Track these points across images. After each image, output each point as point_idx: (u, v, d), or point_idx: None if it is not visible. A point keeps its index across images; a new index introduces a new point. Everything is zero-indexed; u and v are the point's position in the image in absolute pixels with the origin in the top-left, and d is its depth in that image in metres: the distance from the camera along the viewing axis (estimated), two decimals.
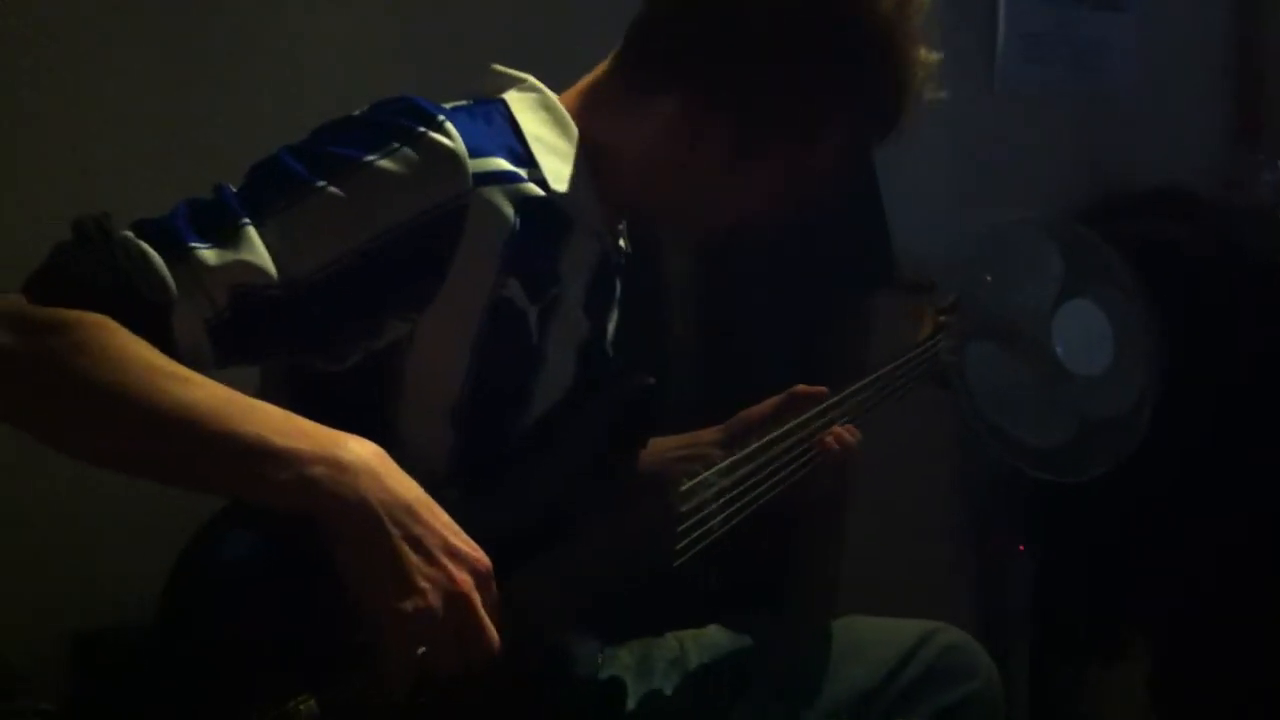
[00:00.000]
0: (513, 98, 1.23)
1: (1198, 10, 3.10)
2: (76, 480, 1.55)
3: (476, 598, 0.96)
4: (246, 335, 1.03)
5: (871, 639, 1.48)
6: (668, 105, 1.22)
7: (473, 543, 0.98)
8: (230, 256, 1.01)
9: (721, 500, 1.27)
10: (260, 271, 1.01)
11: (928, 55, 1.25)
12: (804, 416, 1.38)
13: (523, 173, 1.16)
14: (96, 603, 1.74)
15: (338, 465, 0.94)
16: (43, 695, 1.68)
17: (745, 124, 1.22)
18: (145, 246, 0.99)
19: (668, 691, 1.40)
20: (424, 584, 0.93)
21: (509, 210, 1.13)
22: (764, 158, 1.24)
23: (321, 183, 1.05)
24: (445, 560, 0.95)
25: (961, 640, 1.49)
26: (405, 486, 0.97)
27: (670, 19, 1.24)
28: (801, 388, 1.41)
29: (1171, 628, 2.69)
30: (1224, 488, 2.55)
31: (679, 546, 1.21)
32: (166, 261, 0.99)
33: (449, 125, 1.09)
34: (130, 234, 1.00)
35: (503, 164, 1.14)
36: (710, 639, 1.48)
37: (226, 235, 1.02)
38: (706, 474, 1.26)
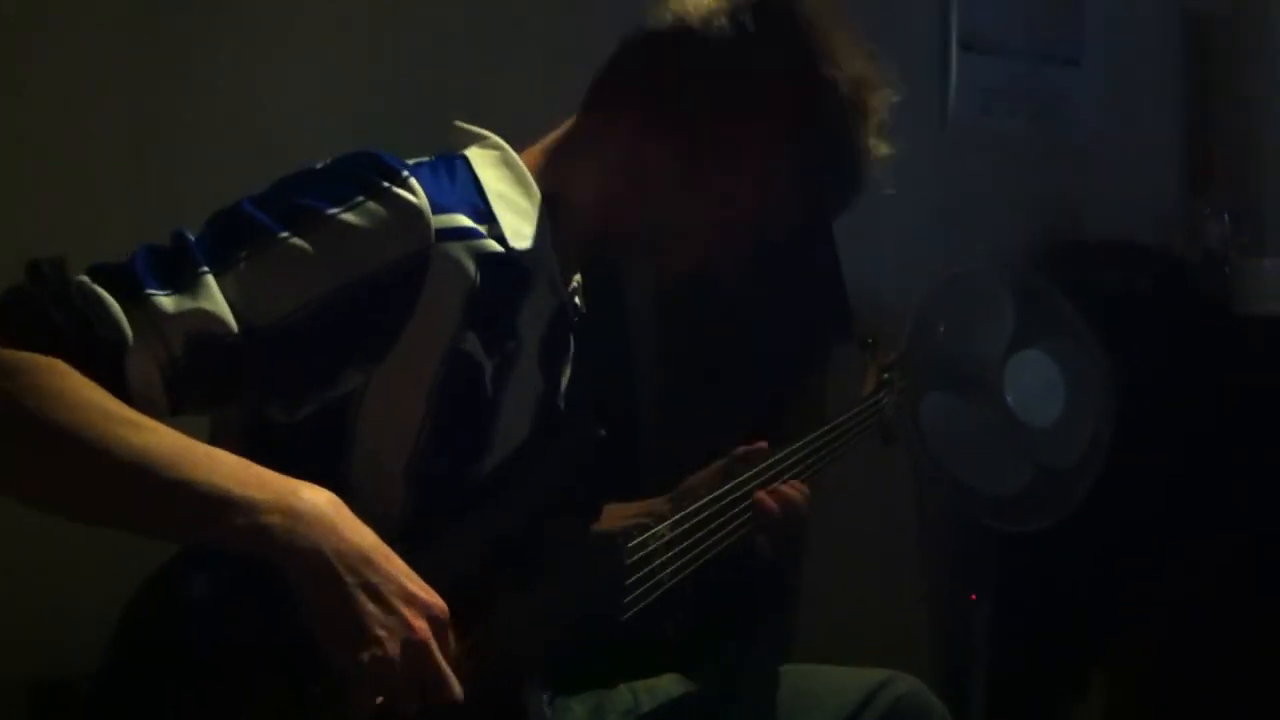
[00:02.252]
0: (474, 154, 1.24)
1: (1152, 64, 3.16)
2: (36, 524, 1.54)
3: (434, 644, 0.95)
4: (201, 383, 1.01)
5: (826, 687, 1.48)
6: (619, 134, 1.23)
7: (429, 589, 0.97)
8: (188, 304, 1.00)
9: (670, 554, 1.27)
10: (218, 321, 1.01)
11: (878, 147, 1.25)
12: (750, 472, 1.39)
13: (483, 229, 1.16)
14: (54, 651, 1.72)
15: (292, 514, 0.93)
16: None
17: (690, 161, 1.22)
18: (101, 291, 0.98)
19: None
20: (381, 632, 0.93)
21: (470, 266, 1.13)
22: (709, 187, 1.24)
23: (284, 234, 1.05)
24: (402, 607, 0.94)
25: (916, 689, 1.49)
26: (360, 534, 0.96)
27: (622, 71, 1.26)
28: (743, 448, 1.43)
29: (1128, 673, 2.71)
30: (1181, 532, 2.57)
31: (627, 600, 1.21)
32: (123, 307, 0.98)
33: (412, 180, 1.09)
34: (86, 278, 0.99)
35: (464, 220, 1.14)
36: (664, 689, 1.48)
37: (185, 283, 1.01)
38: (656, 527, 1.27)
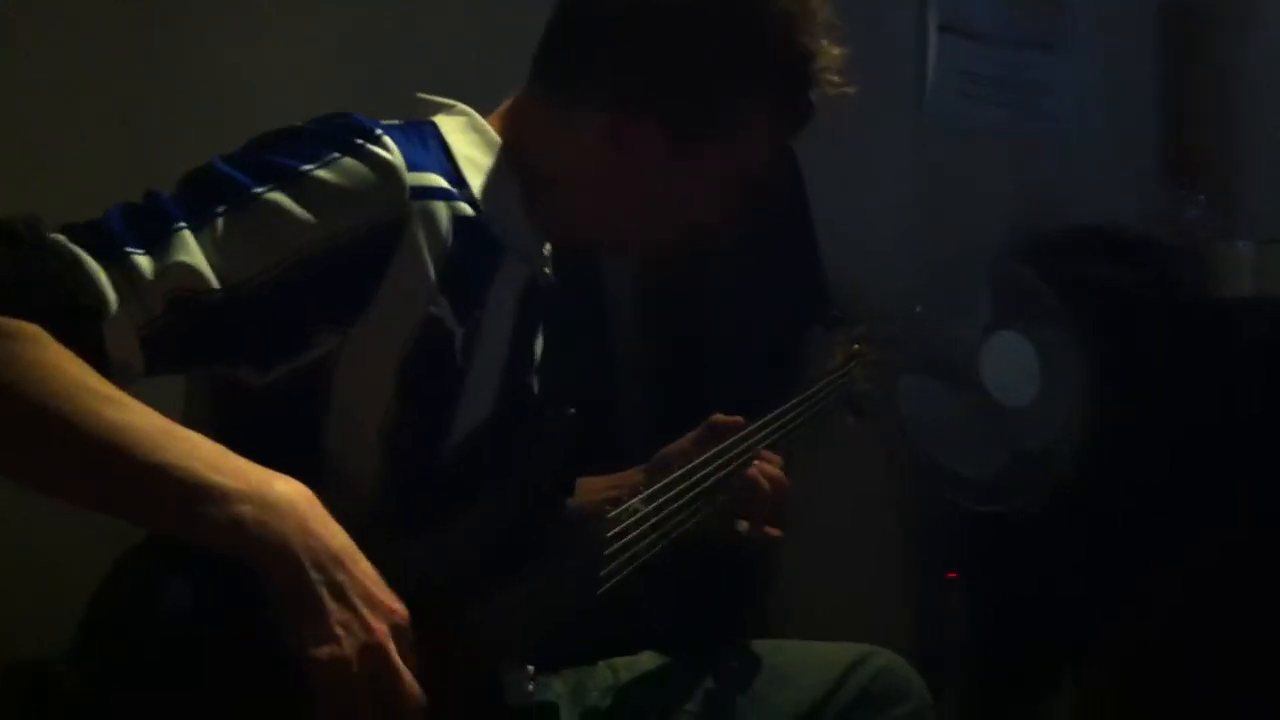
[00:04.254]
0: (442, 120, 1.24)
1: (1129, 50, 3.17)
2: (8, 505, 1.54)
3: (392, 648, 0.94)
4: (179, 342, 1.00)
5: (805, 663, 1.49)
6: (592, 120, 1.23)
7: (392, 594, 0.96)
8: (167, 261, 0.99)
9: (645, 526, 1.27)
10: (198, 276, 1.00)
11: (829, 48, 1.26)
12: (723, 444, 1.40)
13: (455, 191, 1.16)
14: (27, 632, 1.72)
15: (265, 505, 0.92)
16: None
17: (667, 126, 1.22)
18: (78, 250, 0.97)
19: (604, 707, 1.41)
20: (340, 631, 0.92)
21: (444, 226, 1.13)
22: (692, 159, 1.24)
23: (259, 189, 1.04)
24: (363, 609, 0.93)
25: (894, 663, 1.51)
26: (331, 532, 0.95)
27: (576, 36, 1.26)
28: (718, 417, 1.44)
29: (1104, 657, 2.73)
30: (1156, 519, 2.59)
31: (602, 574, 1.20)
32: (102, 266, 0.97)
33: (387, 139, 1.09)
34: (63, 237, 0.98)
35: (439, 180, 1.14)
36: (643, 666, 1.49)
37: (163, 240, 1.00)
38: (630, 501, 1.27)
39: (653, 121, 1.22)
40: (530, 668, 1.31)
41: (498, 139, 1.24)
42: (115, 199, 1.05)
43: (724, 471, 1.39)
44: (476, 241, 1.18)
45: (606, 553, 1.22)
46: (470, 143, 1.22)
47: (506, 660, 1.19)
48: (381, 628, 0.93)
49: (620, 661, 1.50)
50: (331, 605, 0.92)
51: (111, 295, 0.97)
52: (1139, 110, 3.19)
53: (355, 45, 2.04)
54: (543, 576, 1.18)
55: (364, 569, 0.95)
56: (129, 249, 0.99)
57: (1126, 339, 2.50)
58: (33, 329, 0.93)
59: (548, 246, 1.33)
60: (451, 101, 1.27)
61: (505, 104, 1.29)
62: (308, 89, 1.97)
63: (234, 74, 1.93)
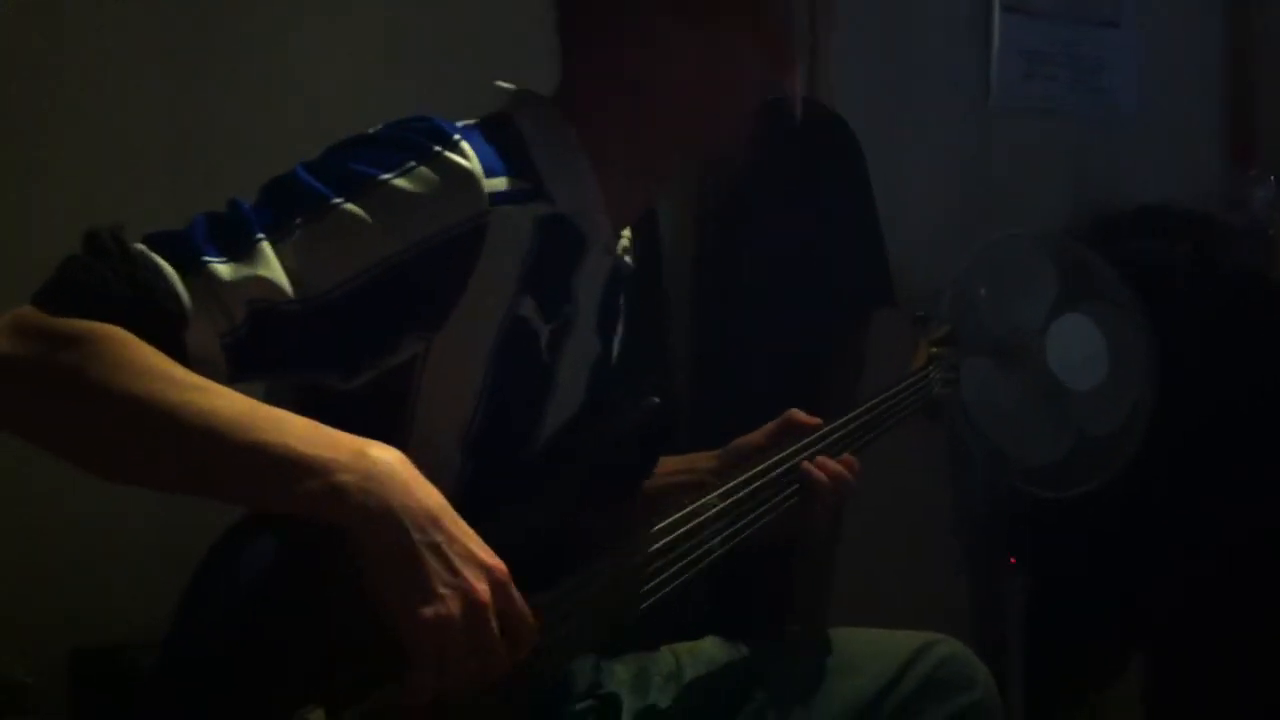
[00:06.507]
0: (519, 114, 1.23)
1: (1193, 29, 3.13)
2: (77, 498, 1.56)
3: (493, 608, 0.95)
4: (261, 351, 1.02)
5: (868, 651, 1.48)
6: (608, 41, 1.22)
7: (492, 552, 0.97)
8: (247, 271, 1.00)
9: (720, 523, 1.28)
10: (276, 288, 1.01)
11: None
12: (798, 445, 1.40)
13: (535, 191, 1.16)
14: (96, 620, 1.74)
15: (364, 473, 0.93)
16: (44, 709, 1.69)
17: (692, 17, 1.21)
18: (160, 260, 0.99)
19: (664, 705, 1.40)
20: (444, 591, 0.93)
21: (525, 229, 1.14)
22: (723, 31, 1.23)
23: (339, 200, 1.05)
24: (465, 569, 0.94)
25: (959, 651, 1.49)
26: (429, 494, 0.96)
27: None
28: (796, 413, 1.44)
29: (1167, 642, 2.70)
30: (1217, 503, 2.56)
31: (646, 588, 1.21)
32: (181, 275, 0.99)
33: (465, 145, 1.09)
34: (144, 247, 1.00)
35: (517, 183, 1.14)
36: (706, 652, 1.48)
37: (243, 250, 1.01)
38: (707, 497, 1.27)
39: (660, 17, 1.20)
40: (592, 656, 1.31)
41: (571, 129, 1.23)
42: (188, 207, 1.07)
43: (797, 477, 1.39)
44: (559, 238, 1.18)
45: (675, 551, 1.22)
46: (547, 139, 1.21)
47: (570, 647, 1.18)
48: (483, 586, 0.95)
49: (683, 647, 1.49)
50: (435, 565, 0.93)
51: (191, 305, 0.98)
52: (1204, 88, 3.14)
53: (408, 54, 2.05)
54: (600, 571, 1.18)
55: (462, 528, 0.96)
56: (209, 259, 1.00)
57: (1190, 321, 2.47)
58: (115, 329, 0.95)
59: (627, 232, 1.32)
60: (528, 90, 1.26)
61: (556, 89, 1.28)
62: (362, 96, 1.98)
63: (286, 79, 1.95)
